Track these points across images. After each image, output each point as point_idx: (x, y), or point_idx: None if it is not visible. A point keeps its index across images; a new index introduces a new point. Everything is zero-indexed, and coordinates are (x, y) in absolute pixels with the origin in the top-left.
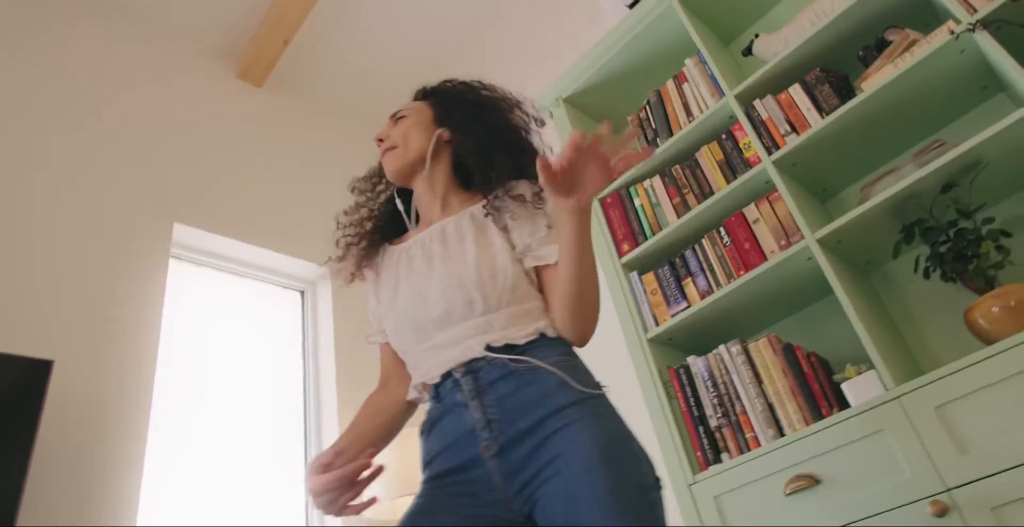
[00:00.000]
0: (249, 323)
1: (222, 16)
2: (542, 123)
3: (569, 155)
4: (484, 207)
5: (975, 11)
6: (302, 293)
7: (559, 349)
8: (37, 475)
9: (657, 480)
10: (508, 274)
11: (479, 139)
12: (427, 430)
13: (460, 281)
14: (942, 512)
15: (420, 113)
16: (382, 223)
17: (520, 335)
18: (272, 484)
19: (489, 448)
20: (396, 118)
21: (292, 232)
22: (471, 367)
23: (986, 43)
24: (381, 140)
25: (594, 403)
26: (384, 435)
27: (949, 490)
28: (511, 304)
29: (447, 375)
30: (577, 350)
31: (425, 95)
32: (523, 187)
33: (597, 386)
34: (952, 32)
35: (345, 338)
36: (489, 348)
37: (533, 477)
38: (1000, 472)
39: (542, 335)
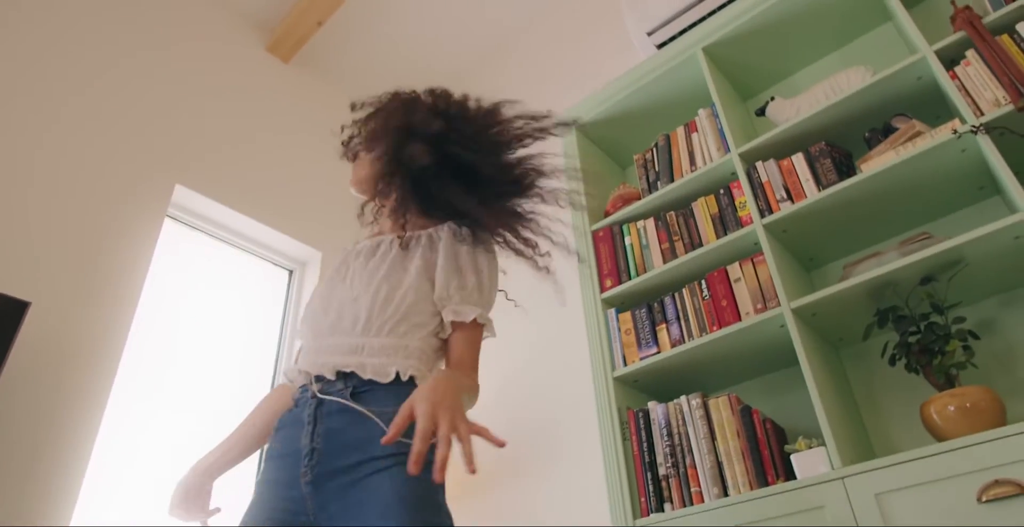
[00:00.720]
0: (233, 294)
1: None
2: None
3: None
4: (424, 235)
5: (982, 114)
6: (291, 273)
7: (403, 398)
8: None
9: None
10: (403, 306)
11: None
12: (276, 429)
13: (355, 297)
14: None
15: (370, 140)
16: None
17: (374, 370)
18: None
19: (306, 475)
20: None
21: (292, 211)
22: (324, 389)
23: (987, 147)
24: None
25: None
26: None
27: None
28: (390, 335)
29: (305, 389)
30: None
31: (380, 111)
32: (465, 236)
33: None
34: (955, 131)
35: None
36: (337, 373)
37: (340, 511)
38: None
39: (397, 376)
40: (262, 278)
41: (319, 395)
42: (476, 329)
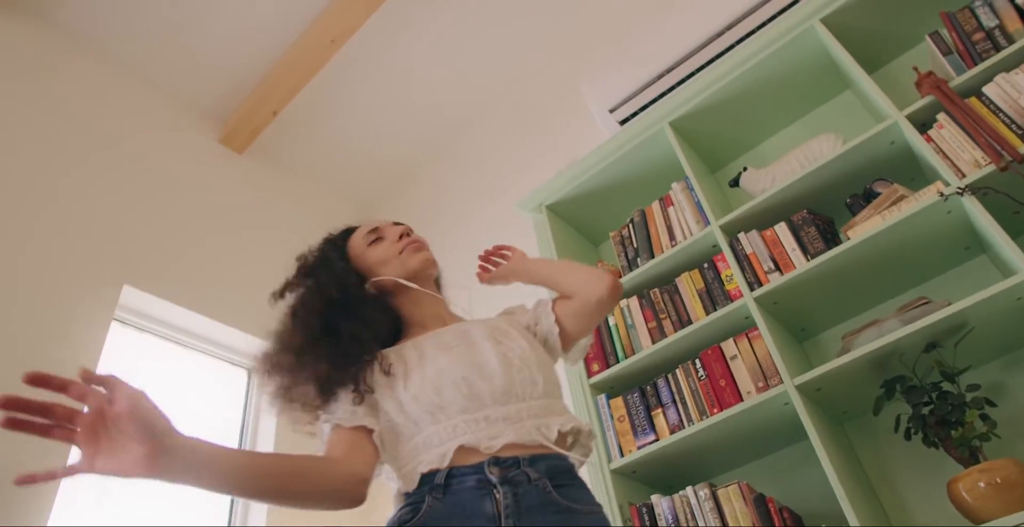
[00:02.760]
0: (189, 397)
1: (215, 79)
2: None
3: None
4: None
5: (963, 175)
6: (248, 371)
7: (591, 491)
8: None
9: None
10: (553, 370)
11: None
12: (420, 525)
13: (522, 360)
14: None
15: None
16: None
17: (580, 423)
18: None
19: None
20: (405, 228)
21: (249, 307)
22: (511, 477)
23: (972, 207)
24: (409, 233)
25: None
26: (267, 494)
27: None
28: (556, 396)
29: (478, 469)
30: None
31: None
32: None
33: None
34: (941, 193)
35: (288, 427)
36: (559, 436)
37: None
38: None
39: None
40: (218, 378)
41: (507, 484)
42: None
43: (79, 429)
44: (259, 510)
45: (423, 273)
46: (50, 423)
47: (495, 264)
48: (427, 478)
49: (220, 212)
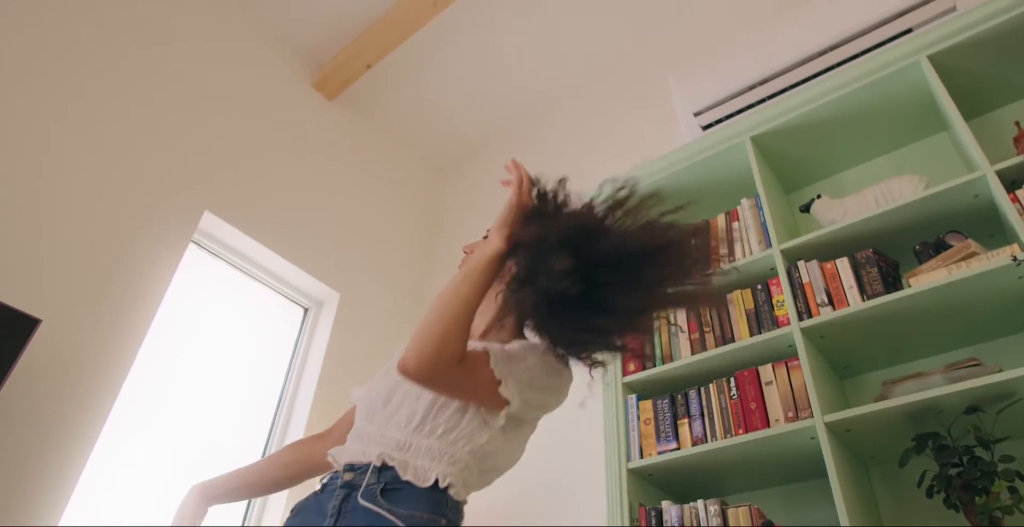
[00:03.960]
0: (246, 326)
1: (317, 23)
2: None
3: None
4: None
5: None
6: (306, 311)
7: (429, 505)
8: None
9: None
10: (460, 414)
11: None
12: (296, 511)
13: (420, 394)
14: None
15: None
16: None
17: (414, 472)
18: None
19: None
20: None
21: (316, 248)
22: (353, 481)
23: None
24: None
25: None
26: (280, 486)
27: None
28: (441, 439)
29: (335, 475)
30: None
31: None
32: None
33: None
34: (1015, 257)
35: (332, 366)
36: (381, 463)
37: None
38: None
39: (435, 482)
40: (277, 313)
41: (347, 486)
42: (468, 312)
43: None
44: (275, 510)
45: None
46: None
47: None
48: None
49: (303, 154)
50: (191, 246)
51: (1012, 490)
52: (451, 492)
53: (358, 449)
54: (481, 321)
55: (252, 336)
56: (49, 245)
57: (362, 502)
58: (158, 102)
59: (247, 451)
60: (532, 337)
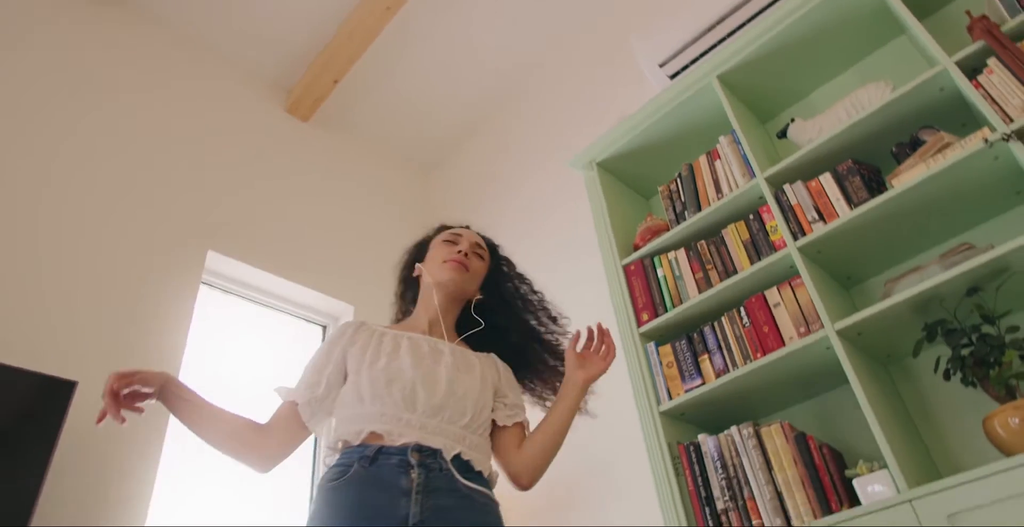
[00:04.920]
0: (269, 353)
1: (276, 51)
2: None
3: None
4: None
5: (1011, 120)
6: (324, 328)
7: (493, 496)
8: (51, 493)
9: None
10: (487, 414)
11: (505, 317)
12: (344, 485)
13: (466, 392)
14: None
15: (485, 266)
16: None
17: (479, 462)
18: (277, 518)
19: None
20: (477, 249)
21: (321, 267)
22: (429, 465)
23: (1020, 152)
24: (466, 255)
25: None
26: (212, 422)
27: None
28: (482, 436)
29: (402, 452)
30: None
31: (491, 250)
32: (511, 370)
33: None
34: (986, 140)
35: None
36: (456, 458)
37: None
38: None
39: (487, 476)
40: (297, 335)
41: (423, 466)
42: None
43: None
44: None
45: (446, 288)
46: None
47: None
48: (357, 448)
49: (291, 178)
50: (202, 287)
51: (1023, 357)
52: (490, 482)
53: (425, 436)
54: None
55: (277, 361)
56: (67, 308)
57: (463, 481)
58: (143, 153)
59: (295, 472)
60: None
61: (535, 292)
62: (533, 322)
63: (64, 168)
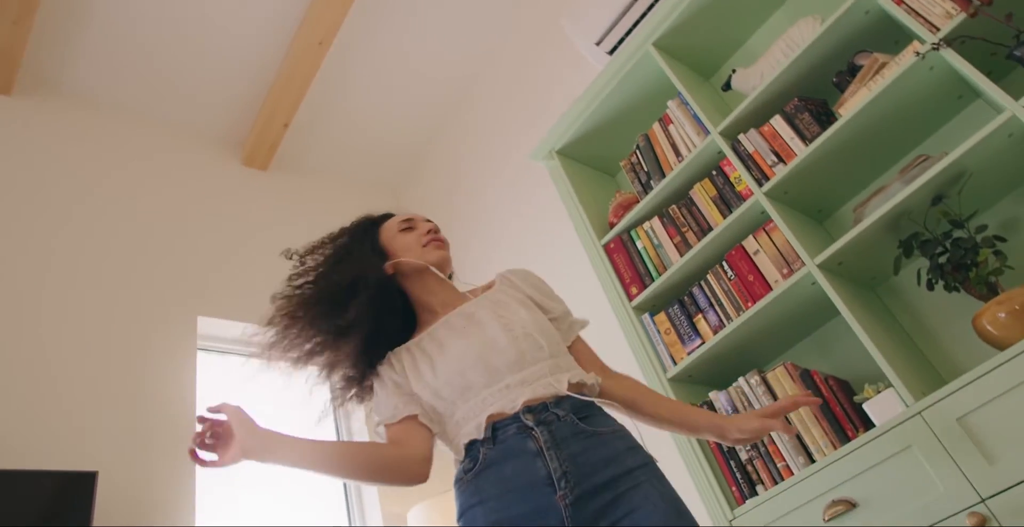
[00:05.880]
0: (281, 403)
1: (222, 108)
2: None
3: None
4: (497, 290)
5: (937, 30)
6: None
7: (612, 416)
8: None
9: None
10: (553, 329)
11: None
12: (479, 470)
13: (524, 330)
14: (981, 524)
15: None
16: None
17: (584, 377)
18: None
19: (565, 497)
20: (434, 226)
21: None
22: (545, 419)
23: (952, 58)
24: (438, 231)
25: (655, 468)
26: (347, 459)
27: (983, 501)
28: (562, 354)
29: (515, 419)
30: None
31: None
32: (528, 272)
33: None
34: (917, 53)
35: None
36: (566, 399)
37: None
38: None
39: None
40: (305, 381)
41: (542, 424)
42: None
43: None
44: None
45: (440, 266)
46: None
47: None
48: (473, 444)
49: (263, 228)
50: (200, 353)
51: (996, 253)
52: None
53: (530, 391)
54: None
55: (291, 411)
56: (73, 402)
57: (582, 425)
58: (113, 236)
59: (328, 512)
60: None
61: None
62: None
63: (38, 267)
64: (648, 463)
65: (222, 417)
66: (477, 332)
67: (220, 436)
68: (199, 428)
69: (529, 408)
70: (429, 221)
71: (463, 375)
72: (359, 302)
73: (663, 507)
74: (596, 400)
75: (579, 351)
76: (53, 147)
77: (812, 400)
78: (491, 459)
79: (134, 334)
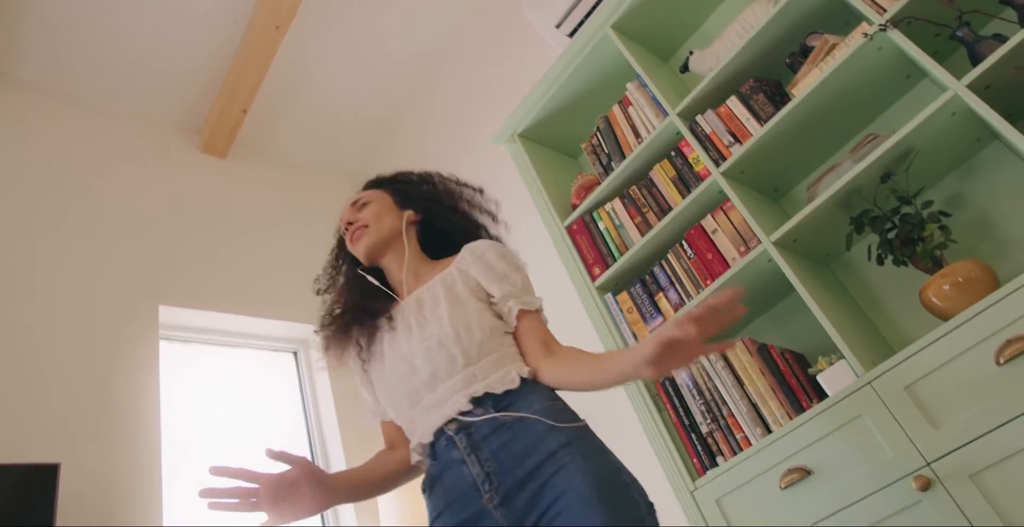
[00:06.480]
0: (246, 391)
1: (178, 95)
2: (496, 208)
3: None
4: (453, 269)
5: (884, 11)
6: (295, 354)
7: (542, 395)
8: None
9: (650, 505)
10: (483, 325)
11: (443, 217)
12: (428, 487)
13: (439, 341)
14: (925, 486)
15: (382, 199)
16: (352, 306)
17: (501, 383)
18: None
19: (492, 499)
20: (359, 205)
21: (276, 296)
22: (462, 424)
23: (899, 39)
24: (350, 223)
25: (581, 442)
26: (375, 485)
27: (929, 464)
28: (490, 352)
29: (440, 432)
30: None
31: (379, 184)
32: (487, 248)
33: (579, 419)
34: (866, 34)
35: (343, 391)
36: (473, 400)
37: (539, 519)
38: (972, 441)
39: (523, 380)
40: (269, 367)
41: (463, 427)
42: (538, 315)
43: (259, 500)
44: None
45: (369, 252)
46: (236, 501)
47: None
48: (421, 462)
49: (224, 216)
50: (162, 343)
51: (941, 228)
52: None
53: (442, 414)
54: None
55: (257, 398)
56: (33, 393)
57: (483, 426)
58: (72, 226)
59: None
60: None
61: (441, 183)
62: (464, 207)
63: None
64: (572, 440)
65: (283, 468)
66: (402, 344)
67: (270, 493)
68: (238, 479)
69: (451, 419)
70: (353, 204)
71: (392, 396)
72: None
73: (584, 491)
74: (499, 415)
75: (521, 334)
76: (7, 139)
77: (726, 298)
78: (433, 475)
79: (95, 324)
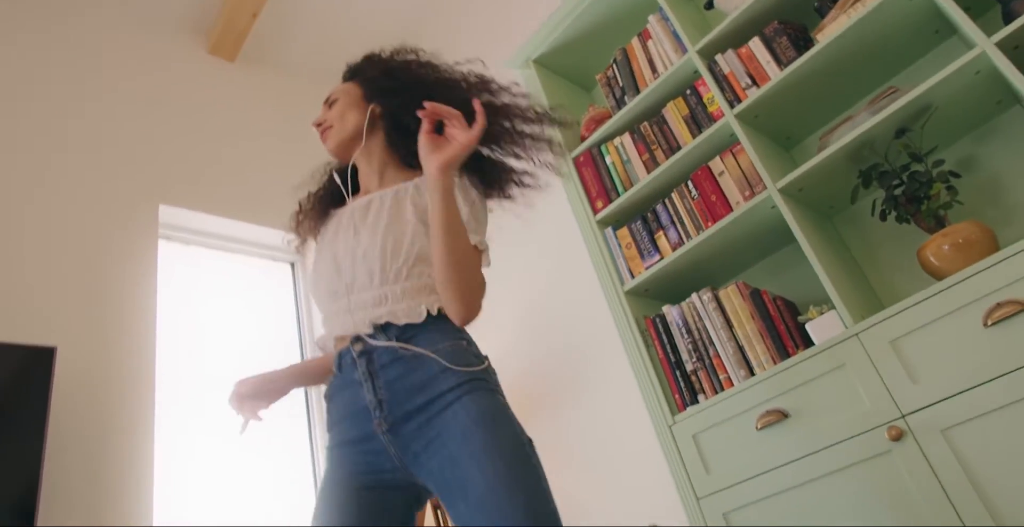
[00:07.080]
0: (242, 297)
1: None
2: (495, 87)
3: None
4: (412, 183)
5: None
6: (292, 264)
7: (447, 333)
8: (51, 458)
9: (530, 440)
10: (413, 249)
11: (408, 111)
12: (328, 397)
13: (364, 252)
14: (898, 436)
15: (349, 94)
16: (325, 195)
17: (406, 314)
18: (277, 459)
19: (381, 425)
20: (329, 103)
21: (277, 204)
22: (367, 347)
23: None
24: (319, 124)
25: (472, 385)
26: (323, 376)
27: (904, 416)
28: (408, 278)
29: (346, 351)
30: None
31: (352, 75)
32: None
33: (479, 362)
34: None
35: None
36: (375, 326)
37: (423, 448)
38: (948, 398)
39: (429, 315)
40: (266, 276)
41: (365, 351)
42: (477, 254)
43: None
44: None
45: (335, 151)
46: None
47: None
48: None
49: (229, 120)
50: (161, 242)
51: (949, 188)
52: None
53: (349, 322)
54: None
55: (252, 306)
56: (33, 279)
57: (386, 353)
58: (77, 120)
59: (287, 413)
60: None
61: (419, 70)
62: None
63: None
64: (462, 383)
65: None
66: (339, 245)
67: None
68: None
69: (357, 337)
70: (325, 102)
71: (316, 288)
72: None
73: (465, 423)
74: (399, 346)
75: None
76: (7, 34)
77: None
78: (335, 387)
79: (98, 218)
